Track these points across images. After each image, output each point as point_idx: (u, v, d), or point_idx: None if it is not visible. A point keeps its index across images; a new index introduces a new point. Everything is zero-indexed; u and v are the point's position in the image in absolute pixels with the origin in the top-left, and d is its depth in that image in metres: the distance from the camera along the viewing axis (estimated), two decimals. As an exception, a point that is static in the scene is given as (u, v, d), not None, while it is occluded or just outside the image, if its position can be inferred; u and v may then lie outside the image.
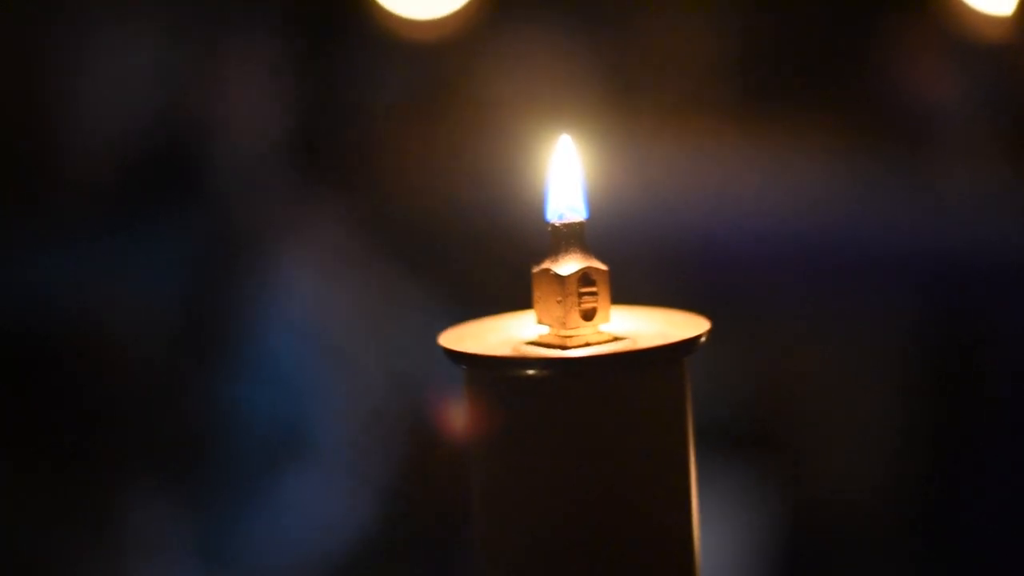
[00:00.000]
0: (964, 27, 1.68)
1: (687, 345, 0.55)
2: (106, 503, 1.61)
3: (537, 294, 0.57)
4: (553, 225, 0.57)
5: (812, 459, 1.65)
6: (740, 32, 1.77)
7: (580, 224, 0.57)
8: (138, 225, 1.71)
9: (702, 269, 1.66)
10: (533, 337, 0.57)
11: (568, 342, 0.56)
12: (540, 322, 0.57)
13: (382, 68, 1.78)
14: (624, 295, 0.61)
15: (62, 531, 1.59)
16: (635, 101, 1.73)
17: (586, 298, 0.56)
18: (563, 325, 0.56)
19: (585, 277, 0.56)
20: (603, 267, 0.57)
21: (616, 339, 0.56)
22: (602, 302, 0.56)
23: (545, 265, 0.57)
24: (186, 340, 1.65)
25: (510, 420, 0.55)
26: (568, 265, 0.56)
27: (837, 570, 1.62)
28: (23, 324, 1.71)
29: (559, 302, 0.56)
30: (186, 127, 1.71)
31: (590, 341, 0.56)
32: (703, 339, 0.56)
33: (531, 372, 0.54)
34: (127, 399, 1.67)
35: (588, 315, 0.56)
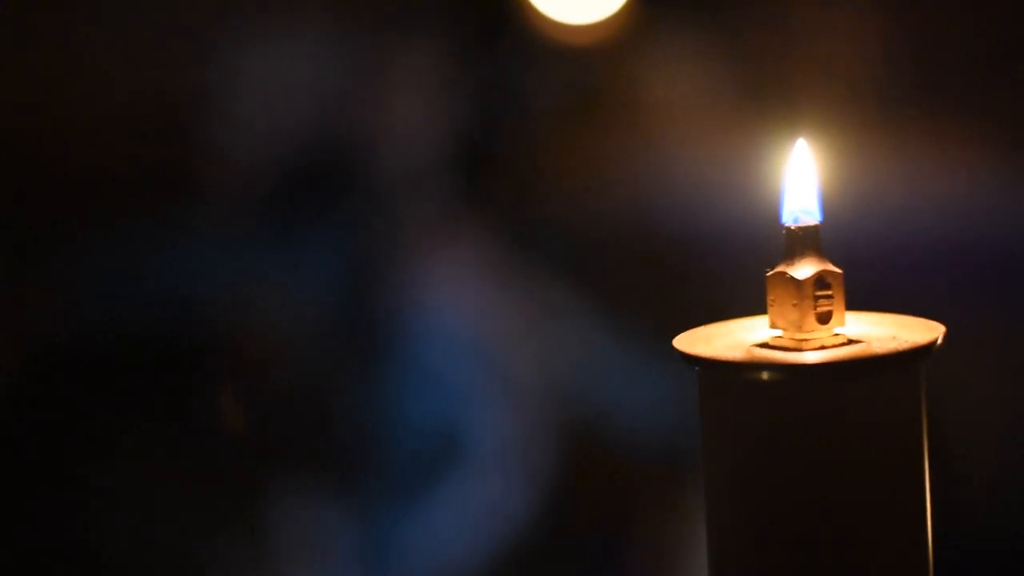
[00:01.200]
0: None
1: (924, 350, 0.55)
2: (262, 511, 1.65)
3: (771, 297, 0.57)
4: (788, 228, 0.57)
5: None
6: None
7: (815, 227, 0.57)
8: (294, 230, 1.75)
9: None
10: (764, 340, 0.57)
11: (803, 345, 0.56)
12: (774, 326, 0.57)
13: (547, 73, 1.78)
14: (855, 299, 0.61)
15: (219, 540, 1.63)
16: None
17: (822, 301, 0.56)
18: (799, 328, 0.56)
19: (820, 280, 0.56)
20: (838, 270, 0.57)
21: (850, 342, 0.56)
22: (837, 306, 0.57)
23: (780, 268, 0.57)
24: (342, 346, 1.67)
25: (747, 422, 0.55)
26: (804, 268, 0.57)
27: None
28: (178, 329, 1.76)
29: (795, 305, 0.56)
30: (342, 132, 1.74)
31: (825, 344, 0.56)
32: (939, 343, 0.56)
33: (775, 375, 0.54)
34: (284, 406, 1.70)
35: (824, 319, 0.56)
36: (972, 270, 1.65)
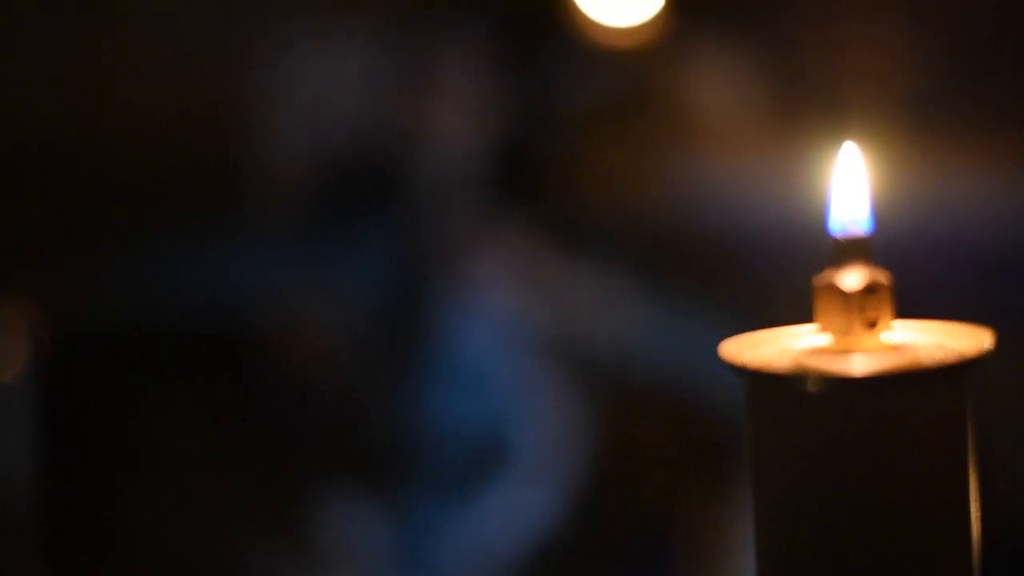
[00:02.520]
0: None
1: (971, 361, 0.55)
2: (308, 511, 1.65)
3: (819, 305, 0.57)
4: (836, 239, 0.57)
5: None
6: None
7: (864, 239, 0.57)
8: (340, 231, 1.76)
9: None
10: (811, 348, 0.57)
11: (850, 354, 0.56)
12: (822, 331, 0.57)
13: (591, 76, 1.78)
14: (903, 305, 0.61)
15: (267, 541, 1.63)
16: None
17: (869, 310, 0.56)
18: (846, 335, 0.56)
19: (868, 289, 0.56)
20: (885, 281, 0.57)
21: (896, 349, 0.56)
22: (884, 314, 0.56)
23: (828, 275, 0.57)
24: (387, 347, 1.67)
25: (792, 430, 0.55)
26: (851, 277, 0.57)
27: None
28: (227, 328, 1.77)
29: (842, 314, 0.56)
30: (389, 135, 1.75)
31: (871, 353, 0.56)
32: (987, 352, 0.55)
33: (822, 385, 0.54)
34: (329, 406, 1.71)
35: (871, 326, 0.56)
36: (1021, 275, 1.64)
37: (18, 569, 1.83)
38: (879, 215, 0.60)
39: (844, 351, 0.56)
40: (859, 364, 0.55)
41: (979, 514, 0.57)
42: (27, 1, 1.88)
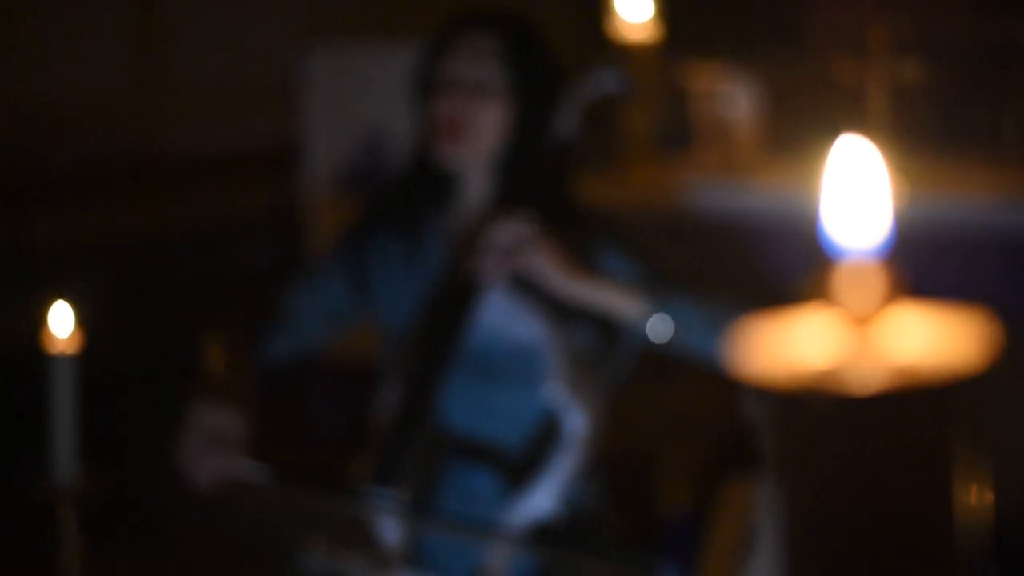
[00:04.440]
0: None
1: (972, 380, 0.57)
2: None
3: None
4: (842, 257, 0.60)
5: None
6: None
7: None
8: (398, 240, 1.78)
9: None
10: (826, 354, 0.60)
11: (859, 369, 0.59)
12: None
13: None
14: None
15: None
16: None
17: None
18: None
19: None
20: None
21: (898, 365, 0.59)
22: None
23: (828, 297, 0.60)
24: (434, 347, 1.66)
25: (808, 441, 0.59)
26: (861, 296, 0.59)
27: None
28: None
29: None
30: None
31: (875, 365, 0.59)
32: (987, 370, 0.58)
33: (826, 407, 0.58)
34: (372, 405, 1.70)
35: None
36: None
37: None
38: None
39: (850, 365, 0.59)
40: (861, 383, 0.58)
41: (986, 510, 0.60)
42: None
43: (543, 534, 1.63)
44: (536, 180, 1.67)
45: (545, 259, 1.55)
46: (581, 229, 1.69)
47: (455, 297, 1.62)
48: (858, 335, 0.59)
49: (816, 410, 0.58)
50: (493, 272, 1.57)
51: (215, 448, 1.54)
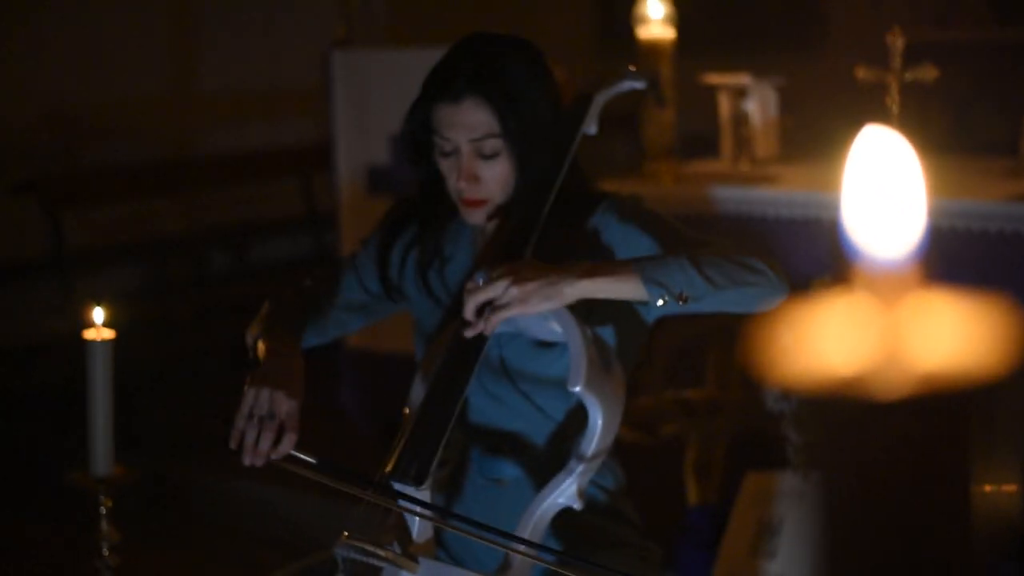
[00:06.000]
0: None
1: (989, 387, 0.59)
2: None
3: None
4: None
5: None
6: None
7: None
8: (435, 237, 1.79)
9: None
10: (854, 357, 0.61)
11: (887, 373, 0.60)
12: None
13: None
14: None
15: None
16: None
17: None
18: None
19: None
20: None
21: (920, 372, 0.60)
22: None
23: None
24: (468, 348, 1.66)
25: (837, 441, 0.62)
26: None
27: None
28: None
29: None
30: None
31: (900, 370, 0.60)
32: (1005, 377, 0.59)
33: (853, 411, 0.60)
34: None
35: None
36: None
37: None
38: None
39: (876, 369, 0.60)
40: (884, 390, 0.59)
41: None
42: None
43: (565, 528, 1.65)
44: (544, 178, 1.69)
45: (522, 305, 1.53)
46: (587, 212, 1.70)
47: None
48: (883, 331, 0.59)
49: (844, 415, 0.59)
50: (481, 330, 1.56)
51: (268, 426, 1.57)
